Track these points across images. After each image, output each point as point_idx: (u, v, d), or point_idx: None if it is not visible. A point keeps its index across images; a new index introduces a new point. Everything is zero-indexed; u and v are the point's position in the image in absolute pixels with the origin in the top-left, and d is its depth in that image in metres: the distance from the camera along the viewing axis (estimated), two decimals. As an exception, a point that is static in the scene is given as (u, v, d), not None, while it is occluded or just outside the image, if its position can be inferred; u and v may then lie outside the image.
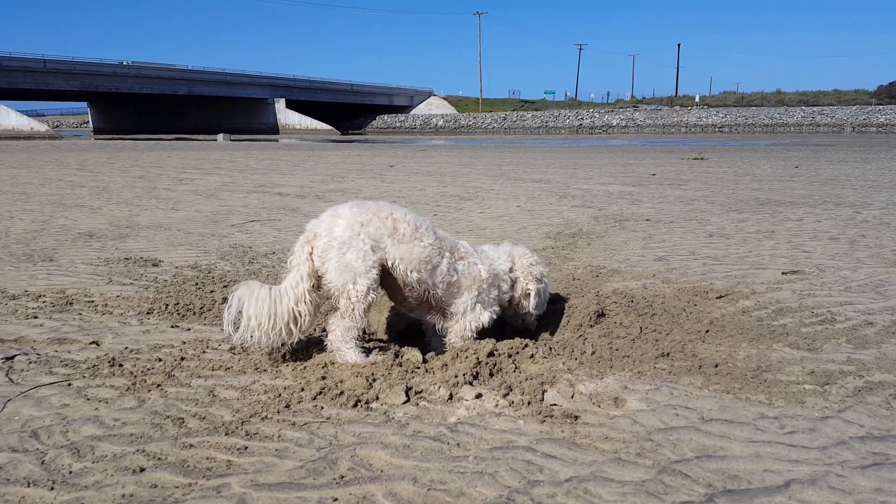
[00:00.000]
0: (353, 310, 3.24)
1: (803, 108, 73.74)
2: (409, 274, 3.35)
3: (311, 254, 3.30)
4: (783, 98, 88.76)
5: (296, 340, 3.39)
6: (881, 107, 69.44)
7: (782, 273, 5.38)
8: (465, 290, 3.52)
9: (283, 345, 3.39)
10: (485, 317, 3.60)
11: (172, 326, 4.01)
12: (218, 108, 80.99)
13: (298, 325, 3.33)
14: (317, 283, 3.33)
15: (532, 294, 3.73)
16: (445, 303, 3.55)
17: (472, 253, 3.61)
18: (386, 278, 3.43)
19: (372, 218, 3.29)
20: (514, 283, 3.75)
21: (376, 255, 3.27)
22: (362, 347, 3.38)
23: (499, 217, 8.87)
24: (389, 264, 3.34)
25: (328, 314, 3.47)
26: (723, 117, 72.09)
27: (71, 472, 2.31)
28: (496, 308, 3.69)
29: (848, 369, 3.25)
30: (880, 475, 2.29)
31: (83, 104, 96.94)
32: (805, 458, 2.41)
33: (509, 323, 3.92)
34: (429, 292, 3.46)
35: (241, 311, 3.20)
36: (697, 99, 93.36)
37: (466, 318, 3.56)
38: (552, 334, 3.90)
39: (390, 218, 3.33)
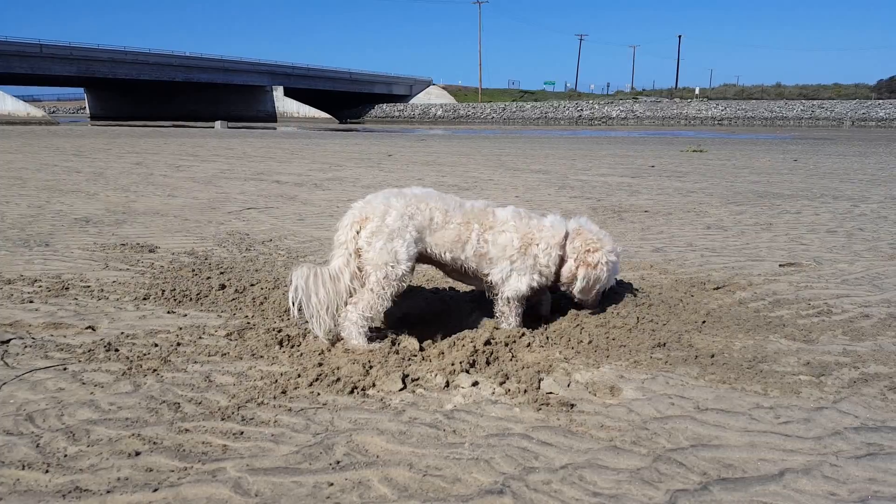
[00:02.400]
0: (382, 288, 3.37)
1: (803, 101, 73.56)
2: (443, 255, 3.56)
3: (357, 233, 3.44)
4: (783, 91, 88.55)
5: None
6: (881, 101, 69.34)
7: (780, 265, 5.38)
8: (497, 260, 3.60)
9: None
10: (522, 284, 3.62)
11: (169, 312, 4.00)
12: (216, 95, 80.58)
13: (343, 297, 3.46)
14: (360, 262, 3.48)
15: (579, 278, 3.68)
16: (481, 272, 3.65)
17: (504, 222, 3.61)
18: (428, 256, 3.64)
19: (416, 212, 3.47)
20: (562, 259, 3.70)
21: (417, 247, 3.47)
22: (369, 334, 3.41)
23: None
24: (427, 251, 3.54)
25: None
26: (722, 110, 71.94)
27: (66, 456, 2.31)
28: (535, 276, 3.65)
29: (844, 361, 3.26)
30: (874, 465, 2.30)
31: (80, 90, 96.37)
32: (800, 448, 2.42)
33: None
34: (463, 266, 3.62)
35: (307, 294, 3.33)
36: (697, 91, 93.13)
37: (505, 287, 3.63)
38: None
39: (427, 209, 3.50)
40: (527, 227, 3.63)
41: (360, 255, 3.43)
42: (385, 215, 3.40)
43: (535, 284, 3.66)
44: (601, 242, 3.70)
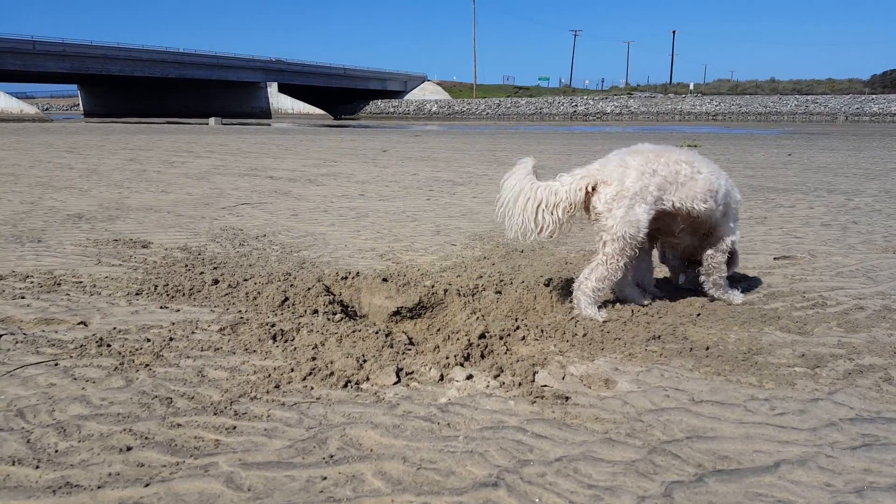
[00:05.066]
0: (617, 259, 3.28)
1: (797, 96, 73.65)
2: (695, 206, 3.41)
3: (592, 189, 3.30)
4: (777, 86, 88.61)
5: (540, 237, 3.46)
6: (874, 96, 69.43)
7: (774, 258, 5.39)
8: (728, 211, 3.62)
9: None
10: (736, 235, 3.65)
11: (161, 307, 3.97)
12: (210, 92, 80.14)
13: (539, 228, 3.40)
14: (572, 209, 3.36)
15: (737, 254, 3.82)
16: (717, 223, 3.59)
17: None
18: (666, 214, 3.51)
19: (658, 167, 3.31)
20: None
21: (656, 208, 3.33)
22: (600, 304, 3.41)
23: (492, 202, 8.80)
24: (671, 207, 3.39)
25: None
26: (717, 105, 71.95)
27: (57, 451, 2.29)
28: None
29: (838, 352, 3.26)
30: (869, 456, 2.30)
31: (73, 86, 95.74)
32: (795, 439, 2.41)
33: (702, 285, 3.94)
34: (712, 217, 3.53)
35: (514, 199, 3.38)
36: (692, 87, 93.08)
37: (728, 237, 3.65)
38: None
39: (671, 162, 3.36)
40: None
41: (578, 207, 3.30)
42: (623, 177, 3.23)
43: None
44: None
